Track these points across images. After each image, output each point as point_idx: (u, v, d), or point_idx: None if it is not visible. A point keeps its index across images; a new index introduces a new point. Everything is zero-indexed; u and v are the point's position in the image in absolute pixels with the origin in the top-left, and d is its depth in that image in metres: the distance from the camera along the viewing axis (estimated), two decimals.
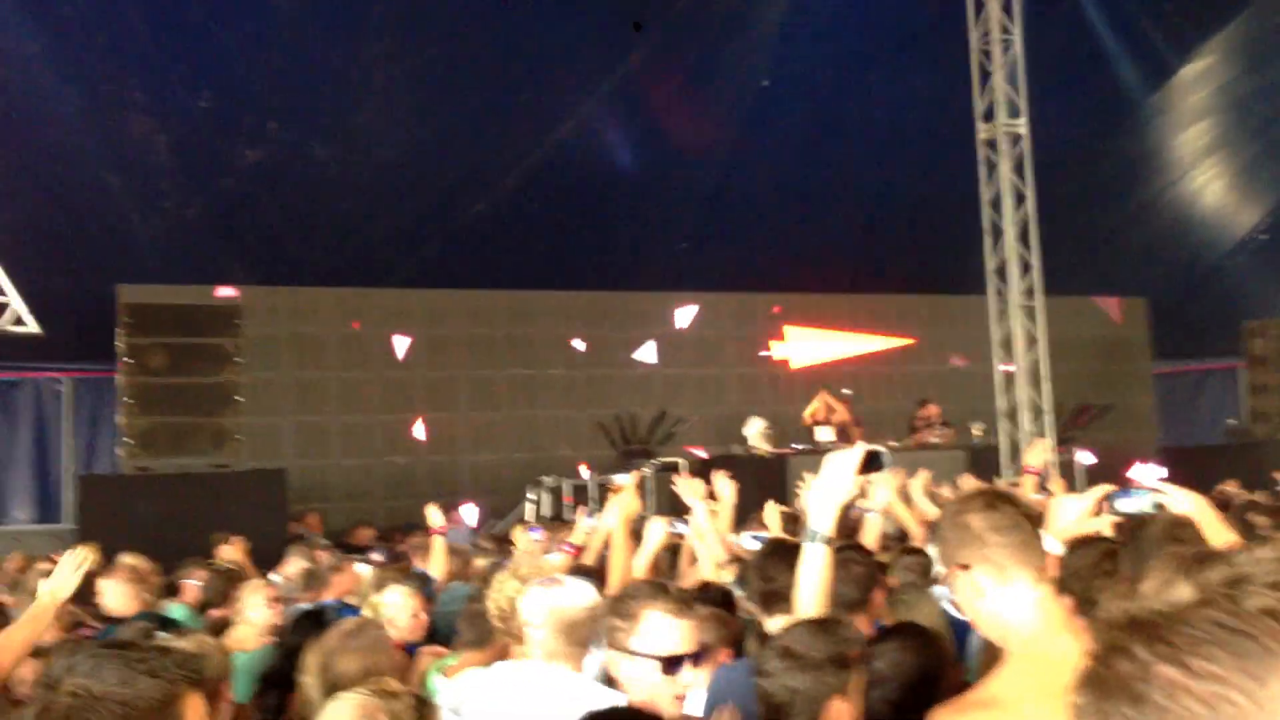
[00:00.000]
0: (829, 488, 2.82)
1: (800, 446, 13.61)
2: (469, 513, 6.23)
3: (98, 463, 15.23)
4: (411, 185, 13.83)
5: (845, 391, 15.06)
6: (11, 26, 10.77)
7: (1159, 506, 3.36)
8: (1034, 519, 2.35)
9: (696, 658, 2.87)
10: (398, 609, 4.71)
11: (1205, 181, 17.68)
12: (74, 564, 4.22)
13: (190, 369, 12.18)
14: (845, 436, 14.38)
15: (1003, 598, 2.23)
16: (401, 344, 15.52)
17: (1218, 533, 3.03)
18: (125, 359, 11.92)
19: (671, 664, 2.78)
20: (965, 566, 2.25)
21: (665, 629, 2.81)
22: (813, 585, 2.78)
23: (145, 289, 13.25)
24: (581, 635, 3.10)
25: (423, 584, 5.45)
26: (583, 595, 3.17)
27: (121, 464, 12.52)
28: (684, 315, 16.99)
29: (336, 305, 15.38)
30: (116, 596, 5.76)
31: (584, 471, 13.82)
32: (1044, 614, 2.22)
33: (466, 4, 12.11)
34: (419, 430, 15.43)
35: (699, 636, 2.96)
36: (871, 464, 2.85)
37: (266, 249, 14.14)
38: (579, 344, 16.23)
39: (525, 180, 13.96)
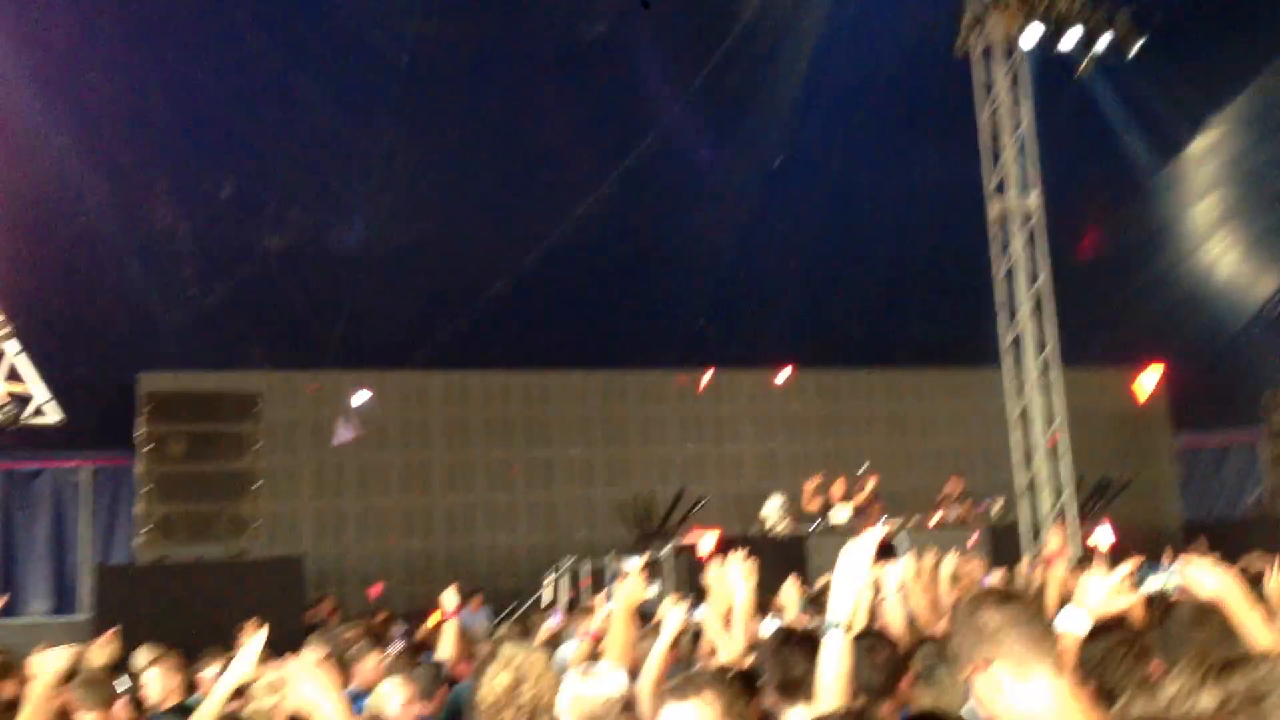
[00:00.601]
0: (846, 576, 2.83)
1: (817, 525, 13.50)
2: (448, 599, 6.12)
3: (116, 552, 15.18)
4: (431, 267, 13.96)
5: (864, 469, 14.95)
6: (41, 117, 11.00)
7: (1182, 587, 3.32)
8: (1044, 612, 2.35)
9: None
10: (386, 698, 4.70)
11: (1220, 253, 17.70)
12: (69, 649, 4.23)
13: (210, 456, 12.19)
14: (865, 514, 14.27)
15: (1024, 692, 2.21)
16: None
17: (1246, 614, 2.98)
18: (145, 447, 11.94)
19: None
20: (986, 663, 2.24)
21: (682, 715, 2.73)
22: (833, 674, 2.76)
23: (166, 377, 13.33)
24: None
25: (434, 671, 5.38)
26: (609, 686, 3.13)
27: (138, 553, 12.49)
28: (704, 393, 16.97)
29: (356, 388, 15.43)
30: (156, 686, 5.76)
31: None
32: (1065, 706, 2.21)
33: (485, 85, 12.32)
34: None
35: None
36: (886, 551, 2.88)
37: (287, 334, 14.25)
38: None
39: (544, 260, 14.08)
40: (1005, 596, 2.36)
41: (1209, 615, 2.89)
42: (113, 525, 15.47)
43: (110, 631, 7.89)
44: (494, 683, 3.29)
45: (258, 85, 11.48)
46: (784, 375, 16.57)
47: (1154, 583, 3.40)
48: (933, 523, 13.87)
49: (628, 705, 3.17)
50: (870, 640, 3.61)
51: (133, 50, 10.91)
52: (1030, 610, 2.31)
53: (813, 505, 14.08)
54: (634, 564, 5.22)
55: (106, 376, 13.22)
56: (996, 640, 2.24)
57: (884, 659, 3.70)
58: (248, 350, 14.04)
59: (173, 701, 5.62)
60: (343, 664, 6.16)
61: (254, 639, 4.26)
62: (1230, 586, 3.11)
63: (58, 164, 11.48)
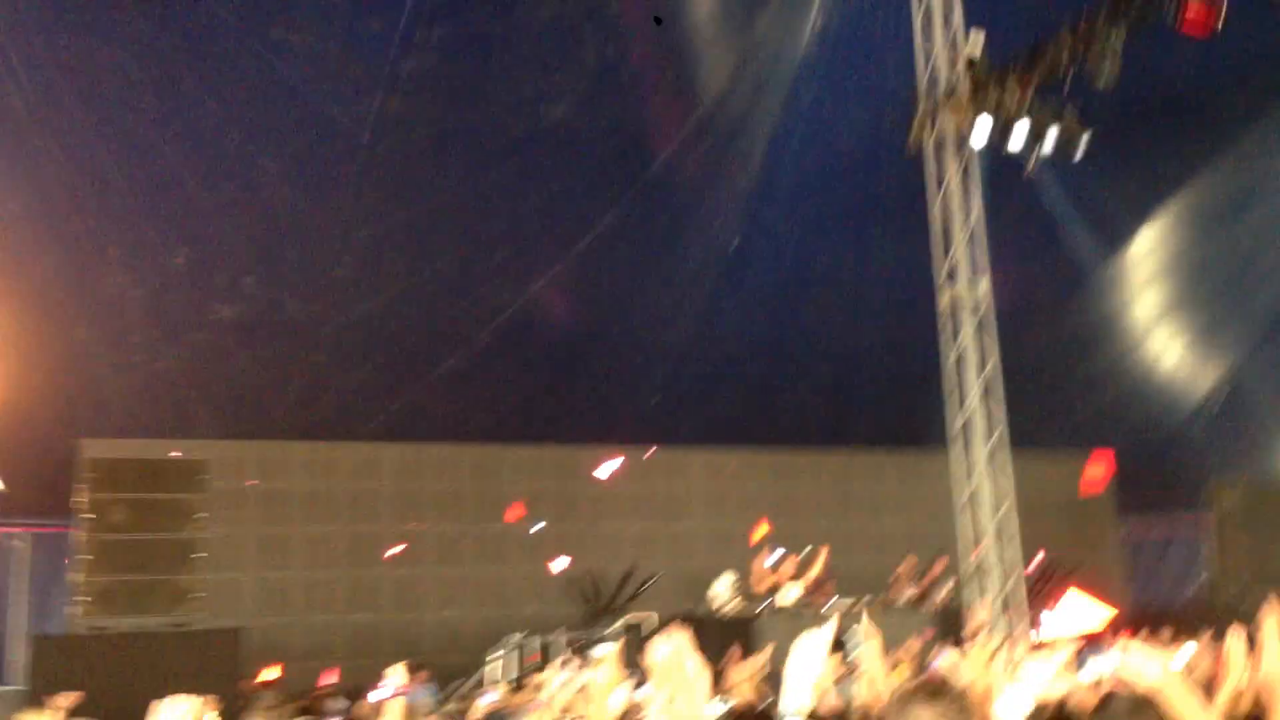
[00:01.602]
0: (802, 666, 2.88)
1: (765, 605, 13.46)
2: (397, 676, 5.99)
3: (56, 621, 14.83)
4: (385, 339, 13.96)
5: (808, 550, 14.98)
6: None
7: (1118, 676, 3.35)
8: (972, 703, 2.39)
9: None
10: None
11: (1164, 344, 18.06)
12: None
13: (152, 525, 11.99)
14: (815, 594, 14.25)
15: None
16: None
17: (1184, 705, 3.01)
18: (85, 515, 11.74)
19: None
20: None
21: None
22: None
23: (109, 443, 13.14)
24: None
25: None
26: None
27: (75, 623, 12.21)
28: (653, 469, 16.97)
29: (305, 459, 15.30)
30: None
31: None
32: None
33: (445, 163, 12.45)
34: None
35: None
36: (837, 645, 2.97)
37: (235, 403, 14.14)
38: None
39: (498, 335, 14.13)
40: (934, 691, 2.40)
41: (1146, 707, 2.92)
42: (49, 594, 15.11)
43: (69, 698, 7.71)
44: None
45: (215, 155, 11.54)
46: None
47: (1096, 667, 3.43)
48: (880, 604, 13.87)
49: None
50: None
51: (89, 117, 10.94)
52: (958, 705, 2.35)
53: (762, 585, 14.06)
54: (607, 649, 5.14)
55: (48, 442, 13.02)
56: None
57: None
58: (195, 418, 13.90)
59: None
60: None
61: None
62: (1169, 675, 3.15)
63: (8, 228, 11.42)
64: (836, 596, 13.93)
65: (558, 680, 5.94)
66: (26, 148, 10.97)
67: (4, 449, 10.77)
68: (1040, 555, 14.98)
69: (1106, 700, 3.14)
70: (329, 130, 11.42)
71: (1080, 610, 14.64)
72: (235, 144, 11.43)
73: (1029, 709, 3.00)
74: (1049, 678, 3.37)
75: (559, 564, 14.10)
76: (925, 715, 2.31)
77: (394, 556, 15.31)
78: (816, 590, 14.23)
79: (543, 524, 15.61)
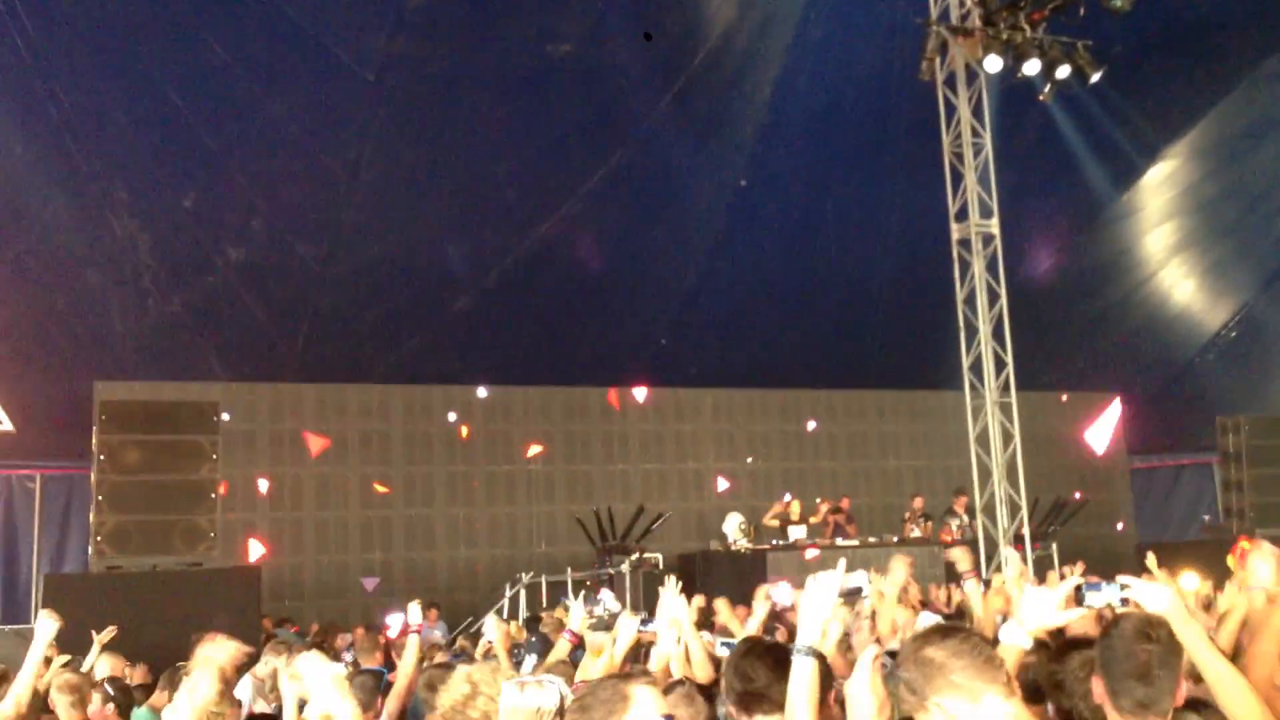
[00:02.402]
0: (813, 606, 2.96)
1: (778, 542, 13.60)
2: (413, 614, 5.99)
3: (71, 562, 15.00)
4: (394, 282, 13.95)
5: (842, 503, 15.16)
6: None
7: (1127, 601, 3.36)
8: (986, 638, 2.43)
9: None
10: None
11: (1175, 281, 17.99)
12: None
13: (166, 466, 12.06)
14: (841, 533, 14.37)
15: (976, 716, 2.28)
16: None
17: (1190, 630, 3.03)
18: (99, 457, 11.82)
19: None
20: (937, 699, 2.30)
21: (649, 700, 2.78)
22: (803, 696, 2.87)
23: (122, 386, 13.21)
24: None
25: (373, 682, 5.38)
26: (543, 698, 3.17)
27: (91, 563, 12.35)
28: (663, 410, 17.04)
29: (316, 401, 15.37)
30: None
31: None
32: None
33: (452, 103, 12.34)
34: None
35: (673, 711, 2.97)
36: (851, 590, 3.04)
37: (247, 346, 14.18)
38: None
39: (507, 276, 14.10)
40: (947, 631, 2.43)
41: (1156, 628, 2.93)
42: (66, 535, 15.29)
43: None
44: (452, 692, 3.37)
45: (222, 97, 11.44)
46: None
47: (1096, 599, 3.44)
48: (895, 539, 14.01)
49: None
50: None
51: (95, 60, 10.84)
52: (973, 639, 2.38)
53: (771, 522, 14.20)
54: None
55: (62, 385, 13.09)
56: (946, 672, 2.31)
57: None
58: (206, 361, 13.95)
59: None
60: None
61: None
62: (1175, 601, 3.16)
63: (16, 173, 11.38)
64: (852, 538, 14.09)
65: (576, 617, 5.99)
66: (31, 90, 10.89)
67: (16, 392, 10.82)
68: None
69: (1115, 621, 3.15)
70: (335, 70, 11.29)
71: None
72: (242, 84, 11.33)
73: (1028, 640, 3.01)
74: (1048, 611, 3.38)
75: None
76: (940, 653, 2.33)
77: (384, 496, 15.43)
78: (843, 530, 14.37)
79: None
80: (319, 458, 15.17)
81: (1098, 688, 2.86)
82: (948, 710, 2.30)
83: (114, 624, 9.87)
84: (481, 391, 16.01)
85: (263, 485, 14.82)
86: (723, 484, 16.98)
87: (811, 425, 17.58)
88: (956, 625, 2.51)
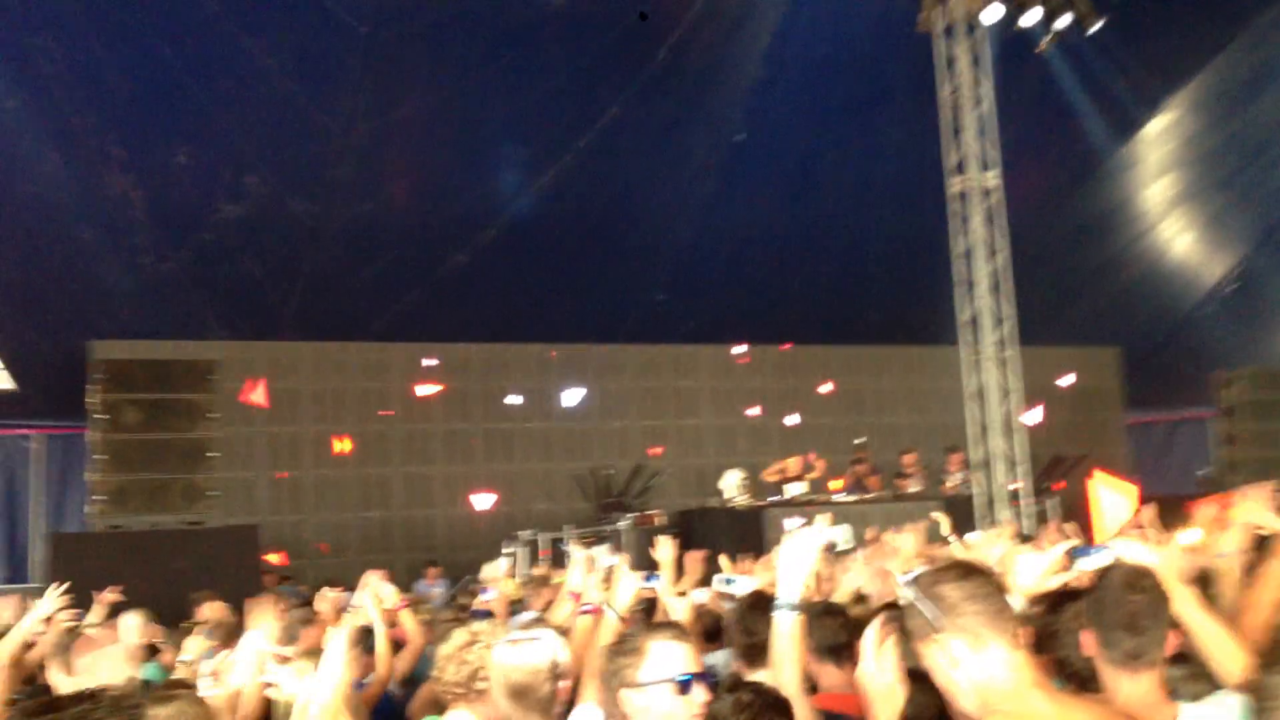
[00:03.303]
0: (795, 561, 3.07)
1: (776, 498, 13.63)
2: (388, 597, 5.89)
3: (70, 521, 15.04)
4: (390, 238, 13.87)
5: (858, 440, 15.16)
6: None
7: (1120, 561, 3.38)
8: (1003, 587, 2.43)
9: (703, 677, 2.94)
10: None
11: (1174, 233, 17.94)
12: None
13: (164, 425, 12.07)
14: (862, 487, 14.38)
15: (979, 664, 2.28)
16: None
17: (1177, 586, 3.05)
18: (97, 415, 11.81)
19: (684, 685, 2.86)
20: (944, 635, 2.30)
21: (672, 653, 2.90)
22: (786, 649, 3.01)
23: (119, 344, 13.17)
24: (535, 699, 3.15)
25: (362, 635, 5.41)
26: (537, 654, 3.18)
27: (92, 522, 12.39)
28: (660, 367, 17.04)
29: (314, 359, 15.35)
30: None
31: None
32: (1019, 675, 2.28)
33: (446, 56, 12.22)
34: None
35: (700, 659, 3.05)
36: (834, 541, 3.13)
37: (243, 303, 14.13)
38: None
39: (504, 232, 14.03)
40: (966, 571, 2.41)
41: (1143, 579, 2.95)
42: (65, 494, 15.32)
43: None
44: (453, 639, 3.43)
45: (214, 51, 11.31)
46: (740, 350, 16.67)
47: (1088, 563, 3.46)
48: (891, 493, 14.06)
49: (559, 671, 3.22)
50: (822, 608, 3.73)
51: (85, 13, 10.71)
52: (990, 585, 2.37)
53: (771, 477, 14.22)
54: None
55: (58, 344, 13.06)
56: (956, 613, 2.30)
57: (840, 624, 3.82)
58: (203, 319, 13.91)
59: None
60: (289, 634, 6.13)
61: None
62: (1167, 561, 3.17)
63: (7, 128, 11.28)
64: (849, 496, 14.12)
65: (575, 574, 6.00)
66: (22, 46, 10.77)
67: (12, 351, 10.79)
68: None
69: (1104, 573, 3.17)
70: (328, 22, 11.16)
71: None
72: (234, 38, 11.19)
73: (1020, 604, 3.03)
74: (1042, 572, 3.40)
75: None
76: (955, 592, 2.32)
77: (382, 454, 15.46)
78: (864, 484, 14.37)
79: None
80: (314, 417, 15.17)
81: (1088, 640, 2.87)
82: (952, 651, 2.30)
83: (115, 583, 9.92)
84: (483, 349, 16.00)
85: (260, 444, 14.84)
86: (719, 440, 17.01)
87: (810, 382, 17.57)
88: (977, 566, 2.49)
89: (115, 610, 7.15)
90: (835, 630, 3.80)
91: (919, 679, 3.06)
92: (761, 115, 13.94)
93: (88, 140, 11.60)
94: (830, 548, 3.35)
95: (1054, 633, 3.23)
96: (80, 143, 11.61)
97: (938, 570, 2.46)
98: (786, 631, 3.02)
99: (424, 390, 15.24)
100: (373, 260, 14.06)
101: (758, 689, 2.82)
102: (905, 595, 2.41)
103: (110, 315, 13.44)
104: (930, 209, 13.67)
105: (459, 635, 3.43)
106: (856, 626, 4.05)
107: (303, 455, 15.10)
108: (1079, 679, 3.06)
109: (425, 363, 15.51)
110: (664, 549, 5.47)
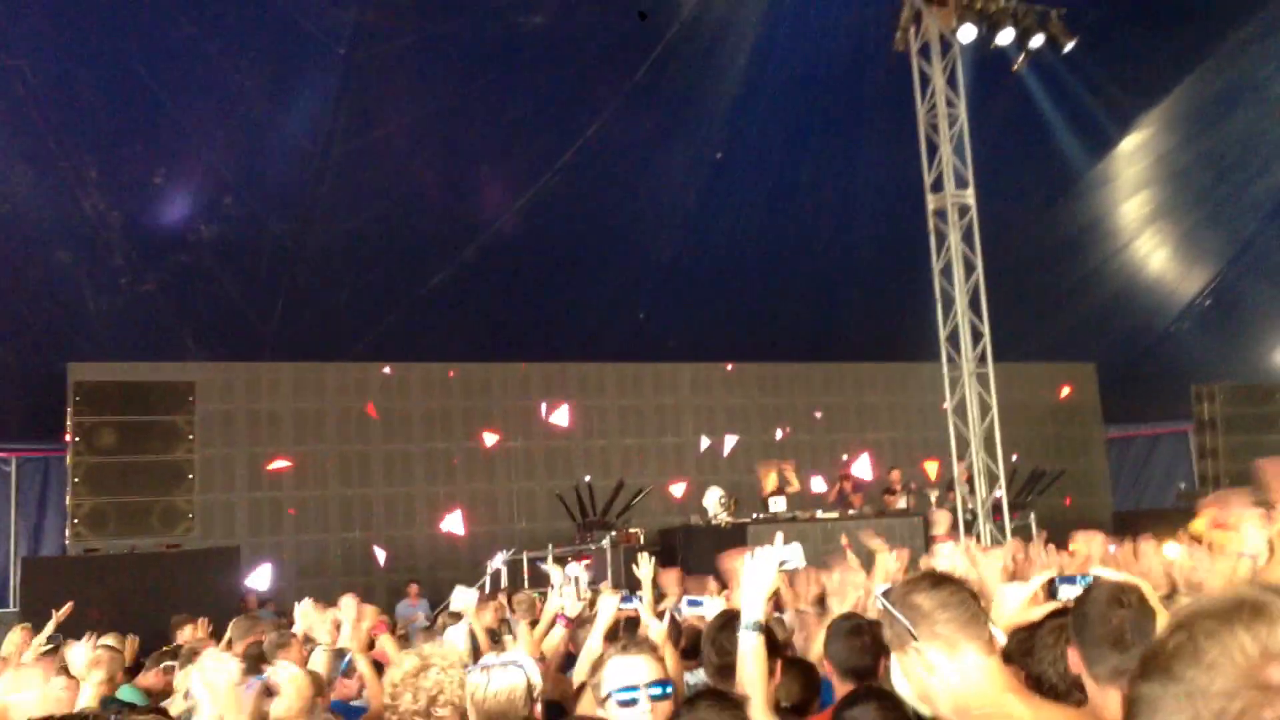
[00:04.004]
0: (755, 581, 3.17)
1: (759, 515, 13.64)
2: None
3: (49, 544, 14.91)
4: (370, 258, 13.85)
5: (844, 458, 15.25)
6: None
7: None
8: (976, 595, 2.45)
9: (664, 684, 2.99)
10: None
11: (1149, 250, 18.09)
12: None
13: (142, 447, 12.02)
14: (846, 504, 14.42)
15: (955, 671, 2.29)
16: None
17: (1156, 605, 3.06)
18: (74, 438, 11.74)
19: (629, 700, 2.92)
20: (916, 644, 2.32)
21: (625, 667, 2.98)
22: (752, 666, 3.09)
23: (96, 366, 13.11)
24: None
25: (336, 660, 5.38)
26: (511, 678, 3.20)
27: (69, 545, 12.29)
28: (642, 385, 17.04)
29: (293, 380, 15.29)
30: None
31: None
32: (995, 680, 2.29)
33: (424, 76, 12.24)
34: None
35: (661, 670, 3.09)
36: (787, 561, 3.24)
37: (222, 325, 14.07)
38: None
39: (484, 251, 14.03)
40: (937, 580, 2.43)
41: (1127, 594, 2.95)
42: (42, 517, 15.18)
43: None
44: (401, 667, 3.36)
45: (191, 73, 11.29)
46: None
47: (1069, 592, 3.47)
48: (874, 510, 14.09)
49: (535, 695, 3.24)
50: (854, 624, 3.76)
51: (61, 35, 10.68)
52: (962, 592, 2.39)
53: (766, 488, 14.23)
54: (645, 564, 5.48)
55: (35, 366, 12.97)
56: (930, 621, 2.32)
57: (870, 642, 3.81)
58: (181, 341, 13.84)
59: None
60: (262, 657, 6.09)
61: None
62: (1146, 588, 3.18)
63: None
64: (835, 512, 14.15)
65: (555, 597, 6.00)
66: None
67: None
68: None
69: (1088, 590, 3.18)
70: (305, 43, 11.17)
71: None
72: (211, 59, 11.18)
73: (1002, 639, 3.03)
74: (1022, 602, 3.42)
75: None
76: (928, 601, 2.34)
77: (363, 475, 15.42)
78: (848, 500, 14.41)
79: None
80: (294, 439, 15.10)
81: (1073, 657, 2.87)
82: (927, 658, 2.31)
83: (94, 606, 9.85)
84: (458, 368, 15.97)
85: (239, 465, 14.75)
86: (701, 458, 17.01)
87: (792, 399, 17.61)
88: (948, 575, 2.52)
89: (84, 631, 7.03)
90: (859, 651, 3.78)
91: (877, 696, 3.08)
92: (741, 133, 14.01)
93: (63, 161, 11.55)
94: (781, 564, 3.45)
95: (1030, 648, 3.23)
96: (56, 164, 11.56)
97: (910, 580, 2.49)
98: (751, 650, 3.09)
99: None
100: (352, 280, 14.03)
101: (716, 701, 2.84)
102: (880, 606, 2.44)
103: (88, 337, 13.36)
104: (910, 226, 13.75)
105: (408, 661, 3.36)
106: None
107: (283, 477, 15.02)
108: (1054, 694, 3.07)
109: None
110: (644, 567, 5.51)
